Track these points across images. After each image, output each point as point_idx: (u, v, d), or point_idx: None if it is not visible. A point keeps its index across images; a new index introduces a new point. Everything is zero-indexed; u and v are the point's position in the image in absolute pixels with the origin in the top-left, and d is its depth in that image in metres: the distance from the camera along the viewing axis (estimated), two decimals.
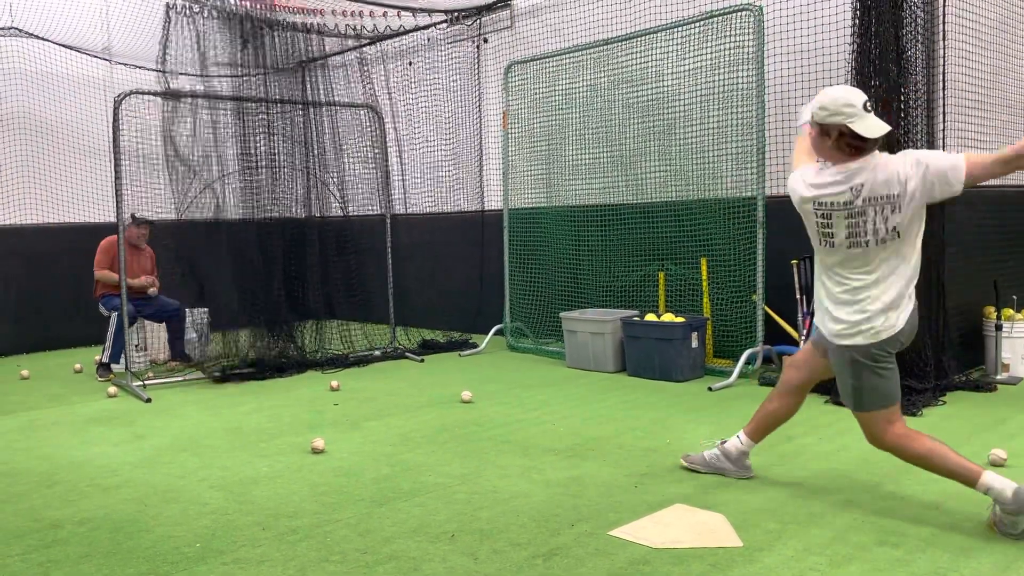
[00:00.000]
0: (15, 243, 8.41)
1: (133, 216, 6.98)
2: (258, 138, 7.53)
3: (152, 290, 6.93)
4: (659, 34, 6.66)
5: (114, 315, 6.78)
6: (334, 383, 6.20)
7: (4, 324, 8.33)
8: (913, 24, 5.33)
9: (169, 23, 7.19)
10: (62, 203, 8.72)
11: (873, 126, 3.00)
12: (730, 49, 6.18)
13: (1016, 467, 3.81)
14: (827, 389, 5.34)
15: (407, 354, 7.54)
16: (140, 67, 8.94)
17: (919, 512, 3.29)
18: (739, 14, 6.08)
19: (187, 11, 7.34)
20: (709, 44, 6.32)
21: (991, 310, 5.88)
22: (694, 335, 6.12)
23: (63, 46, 8.61)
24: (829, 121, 3.03)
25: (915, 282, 3.12)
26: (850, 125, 2.99)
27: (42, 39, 8.46)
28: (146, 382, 6.41)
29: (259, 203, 7.55)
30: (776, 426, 3.67)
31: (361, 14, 8.55)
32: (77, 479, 4.07)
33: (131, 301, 6.56)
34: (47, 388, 6.55)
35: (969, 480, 3.04)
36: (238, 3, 7.78)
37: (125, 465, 4.30)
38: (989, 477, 3.00)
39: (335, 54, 9.24)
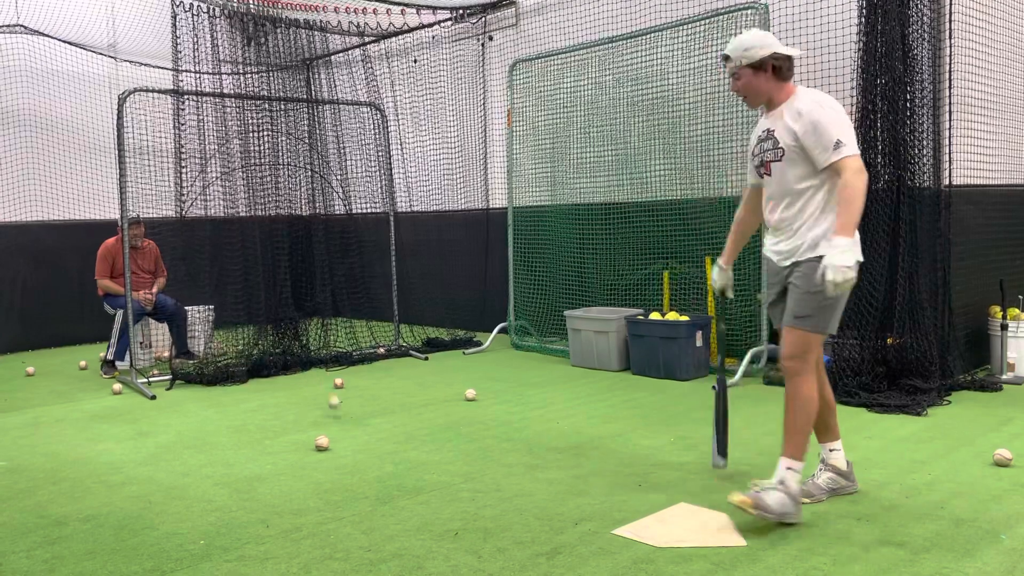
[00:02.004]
0: (20, 240, 8.43)
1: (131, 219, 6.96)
2: (262, 135, 7.55)
3: (147, 308, 6.88)
4: (664, 32, 6.65)
5: (119, 312, 6.80)
6: (338, 381, 6.20)
7: (9, 321, 8.36)
8: (919, 22, 5.32)
9: (176, 20, 7.21)
10: (67, 200, 8.73)
11: (789, 48, 3.32)
12: None
13: (1022, 467, 3.80)
14: (832, 387, 5.33)
15: (411, 352, 7.54)
16: (145, 64, 8.96)
17: (923, 512, 3.28)
18: (744, 12, 6.06)
19: (193, 8, 7.35)
20: (714, 42, 6.31)
21: (997, 309, 5.86)
22: (698, 334, 6.11)
23: (68, 43, 8.63)
24: (762, 55, 3.24)
25: None
26: (780, 51, 3.25)
27: (47, 36, 8.48)
28: (151, 379, 6.43)
29: (263, 200, 7.57)
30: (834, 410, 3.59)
31: (365, 11, 8.56)
32: (82, 476, 4.08)
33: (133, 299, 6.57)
34: (52, 385, 6.57)
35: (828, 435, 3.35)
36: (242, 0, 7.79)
37: (130, 462, 4.31)
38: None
39: (339, 52, 9.25)
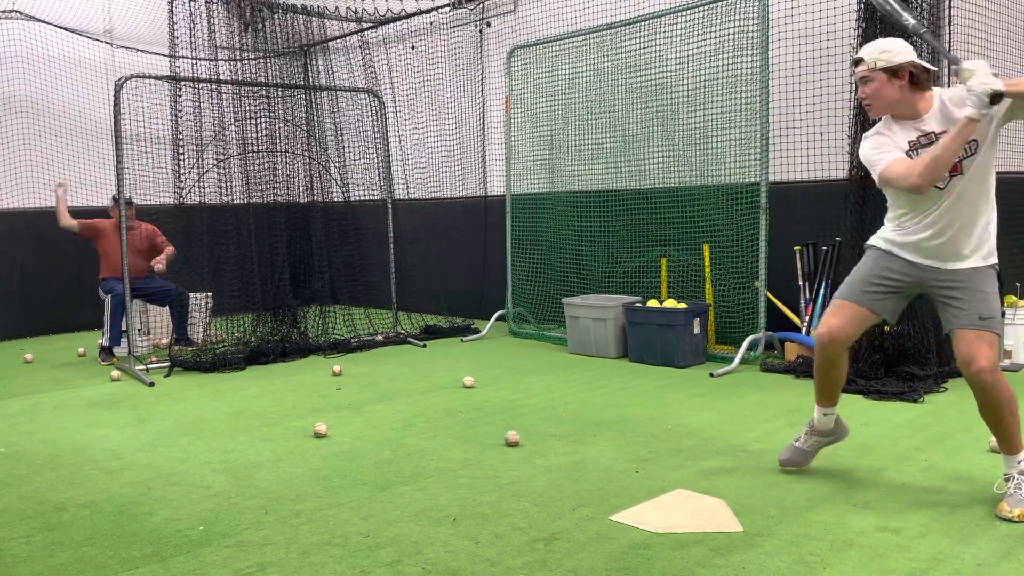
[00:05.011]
0: (19, 227, 8.41)
1: (114, 199, 6.95)
2: (259, 122, 7.52)
3: (159, 267, 6.91)
4: (663, 18, 6.62)
5: (108, 297, 6.80)
6: (336, 368, 6.21)
7: (8, 308, 8.35)
8: (919, 9, 5.30)
9: (173, 5, 7.17)
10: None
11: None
12: (734, 34, 6.14)
13: None
14: None
15: (409, 339, 7.54)
16: (141, 50, 8.91)
17: (919, 498, 3.30)
18: None
19: None
20: (713, 29, 6.28)
21: None
22: (696, 321, 6.12)
23: (64, 29, 8.58)
24: (899, 60, 3.10)
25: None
26: (918, 61, 3.10)
27: (43, 22, 8.43)
28: (149, 366, 6.43)
29: (261, 188, 7.55)
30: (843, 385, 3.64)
31: None
32: (81, 462, 4.09)
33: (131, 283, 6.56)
34: (51, 372, 6.57)
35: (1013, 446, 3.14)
36: None
37: (128, 448, 4.31)
38: None
39: (336, 38, 9.20)
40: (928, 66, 3.14)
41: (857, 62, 3.21)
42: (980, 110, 2.89)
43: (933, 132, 3.14)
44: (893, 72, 3.12)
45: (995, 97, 2.87)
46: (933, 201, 3.16)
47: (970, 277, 3.18)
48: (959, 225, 3.17)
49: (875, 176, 3.20)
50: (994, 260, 3.23)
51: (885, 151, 3.16)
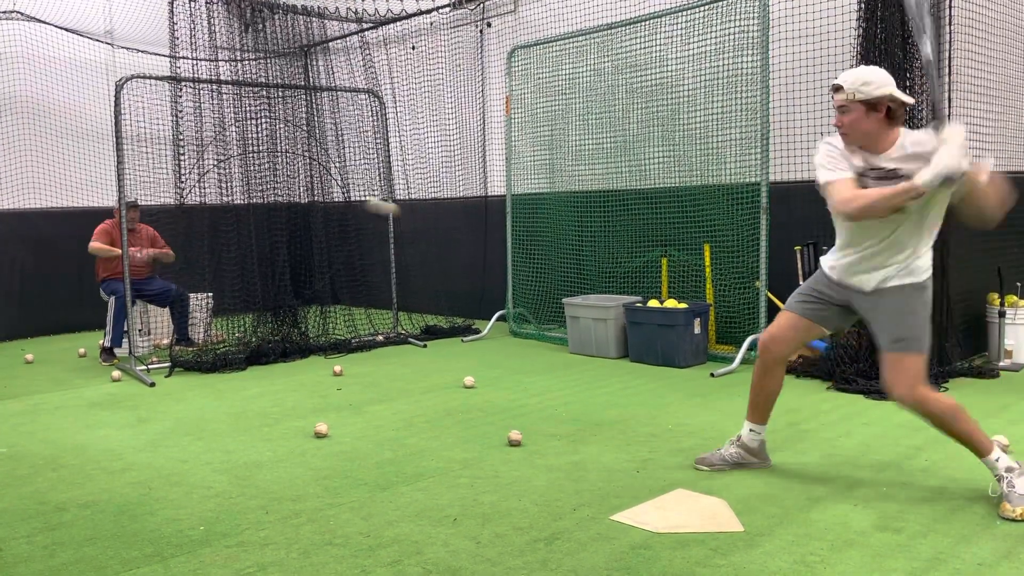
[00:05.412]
0: (19, 227, 8.42)
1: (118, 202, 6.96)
2: (260, 123, 7.52)
3: (139, 254, 6.90)
4: (664, 18, 6.62)
5: (112, 298, 6.80)
6: (337, 368, 6.21)
7: (9, 308, 8.35)
8: (919, 9, 5.29)
9: (173, 6, 7.17)
10: (66, 187, 8.71)
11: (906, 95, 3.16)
12: (735, 34, 6.14)
13: (1018, 454, 3.82)
14: (829, 374, 5.35)
15: (410, 339, 7.55)
16: (142, 51, 8.92)
17: (920, 498, 3.30)
18: None
19: None
20: (714, 29, 6.28)
21: (995, 296, 5.87)
22: (696, 321, 6.12)
23: (65, 29, 8.59)
24: (878, 94, 3.07)
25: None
26: (896, 95, 3.10)
27: (44, 22, 8.44)
28: (150, 366, 6.43)
29: (262, 188, 7.55)
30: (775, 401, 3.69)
31: None
32: (81, 462, 4.09)
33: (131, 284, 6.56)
34: (51, 372, 6.58)
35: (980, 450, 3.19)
36: None
37: (129, 449, 4.32)
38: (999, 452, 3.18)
39: (337, 38, 9.21)
40: (906, 99, 3.12)
41: (836, 88, 3.16)
42: (929, 186, 2.86)
43: (884, 168, 3.13)
44: (871, 105, 3.09)
45: (947, 181, 2.85)
46: (872, 227, 3.17)
47: (884, 297, 3.21)
48: (883, 252, 3.19)
49: (819, 181, 3.22)
50: (917, 280, 3.19)
51: (839, 166, 3.16)
